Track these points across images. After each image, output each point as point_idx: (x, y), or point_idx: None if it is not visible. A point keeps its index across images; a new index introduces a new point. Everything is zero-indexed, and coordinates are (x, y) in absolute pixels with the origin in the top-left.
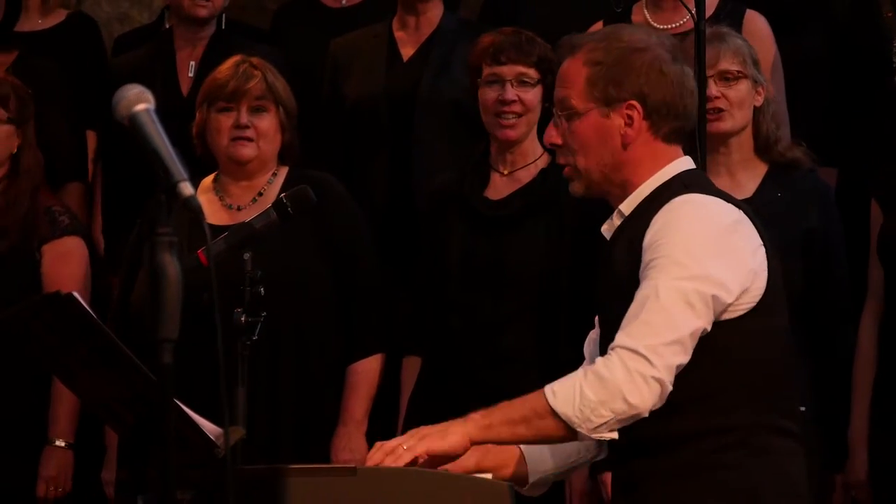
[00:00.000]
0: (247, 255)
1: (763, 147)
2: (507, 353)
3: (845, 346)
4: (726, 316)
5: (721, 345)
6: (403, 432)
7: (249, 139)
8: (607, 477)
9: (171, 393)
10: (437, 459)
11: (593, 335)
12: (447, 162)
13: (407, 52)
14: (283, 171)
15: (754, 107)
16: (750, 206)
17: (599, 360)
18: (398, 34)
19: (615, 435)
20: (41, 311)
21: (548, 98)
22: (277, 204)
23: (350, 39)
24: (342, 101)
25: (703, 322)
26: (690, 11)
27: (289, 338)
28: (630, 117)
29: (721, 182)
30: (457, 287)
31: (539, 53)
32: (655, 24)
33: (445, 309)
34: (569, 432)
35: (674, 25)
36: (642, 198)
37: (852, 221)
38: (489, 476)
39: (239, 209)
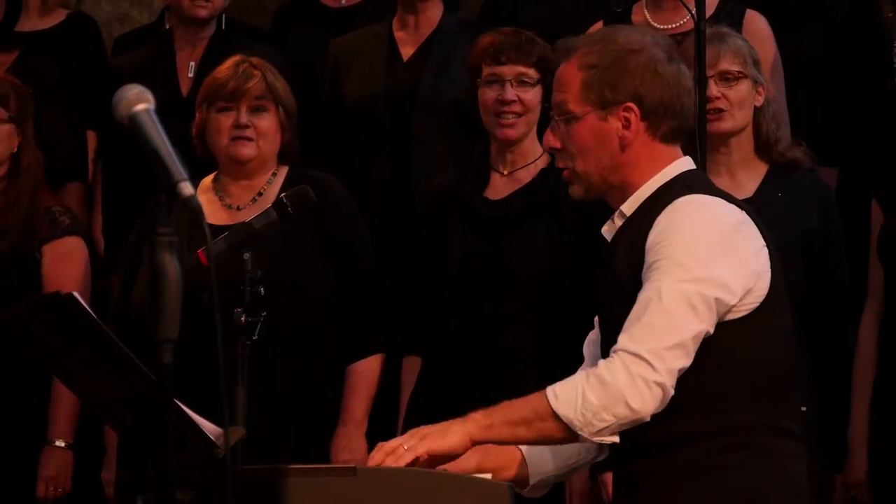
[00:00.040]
0: (247, 255)
1: (763, 147)
2: (507, 354)
3: (845, 346)
4: (729, 317)
5: (724, 346)
6: (403, 432)
7: (249, 139)
8: (608, 477)
9: (171, 393)
10: (437, 459)
11: (593, 336)
12: (447, 162)
13: (407, 52)
14: (283, 171)
15: (755, 107)
16: (751, 207)
17: (602, 362)
18: (398, 34)
19: (616, 439)
20: (41, 311)
21: (548, 98)
22: (277, 204)
23: (350, 39)
24: (342, 100)
25: (706, 325)
26: (690, 11)
27: (289, 338)
28: (627, 119)
29: (721, 182)
30: (457, 287)
31: (539, 53)
32: (655, 25)
33: (445, 309)
34: (570, 434)
35: (674, 25)
36: (644, 198)
37: (852, 221)
38: (489, 477)
39: (239, 209)
